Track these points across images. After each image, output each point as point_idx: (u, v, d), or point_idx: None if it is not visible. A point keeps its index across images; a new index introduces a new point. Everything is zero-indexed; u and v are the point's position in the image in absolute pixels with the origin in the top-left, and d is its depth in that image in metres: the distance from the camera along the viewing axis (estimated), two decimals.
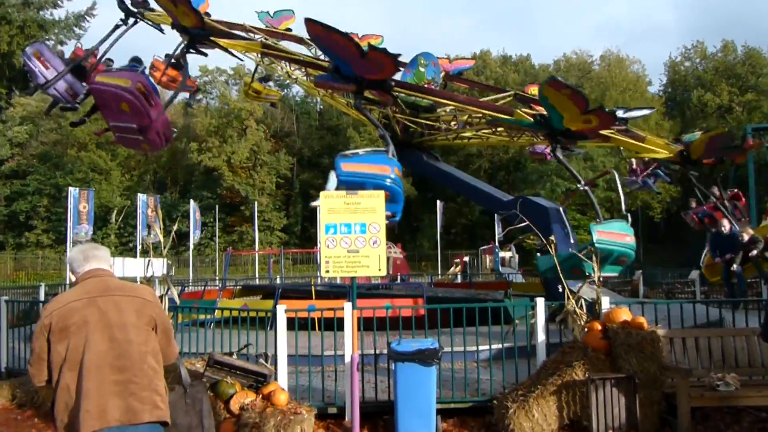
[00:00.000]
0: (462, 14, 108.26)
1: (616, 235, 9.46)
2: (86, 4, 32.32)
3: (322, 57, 12.84)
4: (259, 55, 13.27)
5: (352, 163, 9.07)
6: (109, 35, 12.47)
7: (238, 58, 13.31)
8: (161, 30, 12.87)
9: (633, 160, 16.02)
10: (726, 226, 13.15)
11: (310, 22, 8.58)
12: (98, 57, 12.34)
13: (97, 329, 3.33)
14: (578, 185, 11.42)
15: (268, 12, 15.49)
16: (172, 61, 13.64)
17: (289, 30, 15.29)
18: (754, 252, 12.39)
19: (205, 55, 12.07)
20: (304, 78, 14.72)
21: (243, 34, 13.50)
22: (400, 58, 15.49)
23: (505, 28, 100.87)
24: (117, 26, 12.59)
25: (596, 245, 8.95)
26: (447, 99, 12.31)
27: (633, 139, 12.48)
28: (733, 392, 6.30)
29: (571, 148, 12.23)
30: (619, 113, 13.84)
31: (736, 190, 16.28)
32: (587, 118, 9.24)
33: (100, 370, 3.27)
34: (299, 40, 15.28)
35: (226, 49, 12.05)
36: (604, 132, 11.69)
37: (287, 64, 13.95)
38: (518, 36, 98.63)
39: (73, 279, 3.69)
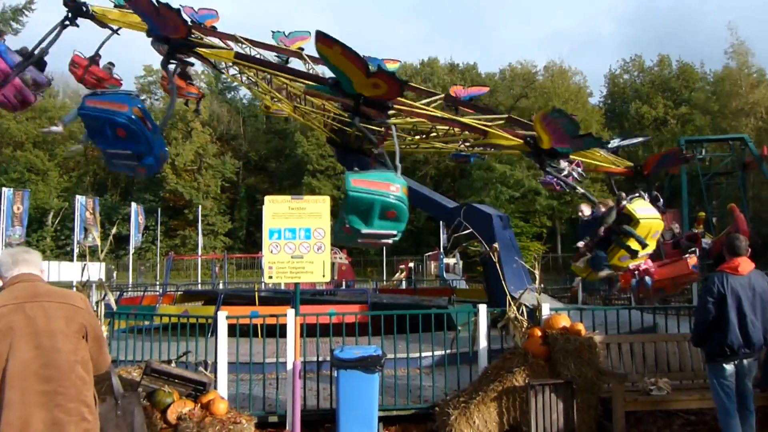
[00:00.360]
0: (411, 20, 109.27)
1: (376, 183, 8.41)
2: None
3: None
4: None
5: (94, 100, 9.40)
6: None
7: (115, 31, 12.94)
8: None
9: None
10: (585, 211, 11.35)
11: None
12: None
13: (23, 336, 3.16)
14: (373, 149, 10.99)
15: (283, 32, 15.39)
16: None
17: (302, 49, 15.10)
18: (602, 228, 10.36)
19: (77, 26, 11.88)
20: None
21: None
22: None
23: (453, 35, 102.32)
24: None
25: (350, 193, 8.20)
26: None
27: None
28: (665, 396, 6.53)
29: (382, 121, 11.15)
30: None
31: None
32: (375, 82, 8.63)
33: (25, 379, 3.11)
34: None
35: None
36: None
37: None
38: (466, 44, 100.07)
39: (1, 284, 3.50)
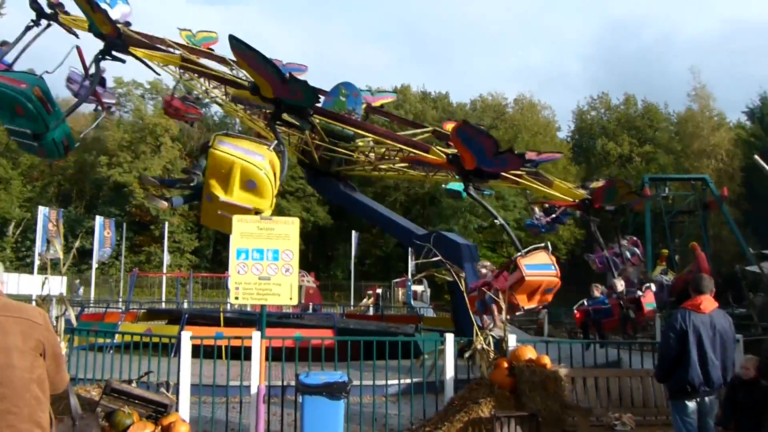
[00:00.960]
0: (384, 47, 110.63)
1: (8, 79, 9.44)
2: None
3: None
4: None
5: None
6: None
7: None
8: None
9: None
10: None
11: None
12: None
13: None
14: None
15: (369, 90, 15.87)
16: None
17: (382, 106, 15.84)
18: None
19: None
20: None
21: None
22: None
23: (425, 64, 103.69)
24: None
25: None
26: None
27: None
28: None
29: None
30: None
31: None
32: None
33: None
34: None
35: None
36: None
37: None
38: (438, 73, 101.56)
39: None
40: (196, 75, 13.53)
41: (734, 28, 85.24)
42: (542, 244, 10.82)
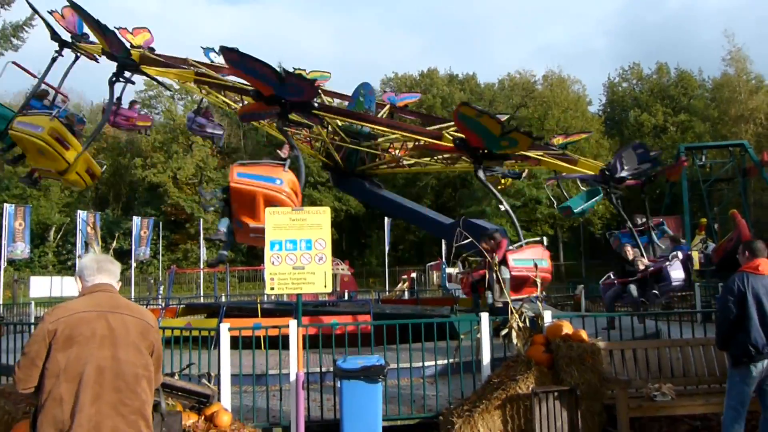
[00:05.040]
0: (411, 34, 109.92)
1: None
2: (25, 14, 31.22)
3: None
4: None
5: None
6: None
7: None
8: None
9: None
10: None
11: None
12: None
13: (104, 345, 3.27)
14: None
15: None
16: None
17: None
18: None
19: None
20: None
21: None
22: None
23: (451, 48, 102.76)
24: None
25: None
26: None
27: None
28: (669, 402, 6.50)
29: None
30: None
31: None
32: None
33: (99, 386, 3.20)
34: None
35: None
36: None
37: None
38: (464, 56, 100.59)
39: (79, 286, 3.58)
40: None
41: None
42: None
